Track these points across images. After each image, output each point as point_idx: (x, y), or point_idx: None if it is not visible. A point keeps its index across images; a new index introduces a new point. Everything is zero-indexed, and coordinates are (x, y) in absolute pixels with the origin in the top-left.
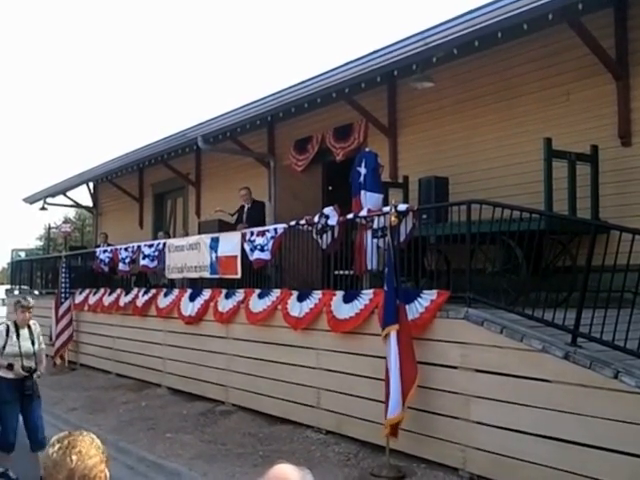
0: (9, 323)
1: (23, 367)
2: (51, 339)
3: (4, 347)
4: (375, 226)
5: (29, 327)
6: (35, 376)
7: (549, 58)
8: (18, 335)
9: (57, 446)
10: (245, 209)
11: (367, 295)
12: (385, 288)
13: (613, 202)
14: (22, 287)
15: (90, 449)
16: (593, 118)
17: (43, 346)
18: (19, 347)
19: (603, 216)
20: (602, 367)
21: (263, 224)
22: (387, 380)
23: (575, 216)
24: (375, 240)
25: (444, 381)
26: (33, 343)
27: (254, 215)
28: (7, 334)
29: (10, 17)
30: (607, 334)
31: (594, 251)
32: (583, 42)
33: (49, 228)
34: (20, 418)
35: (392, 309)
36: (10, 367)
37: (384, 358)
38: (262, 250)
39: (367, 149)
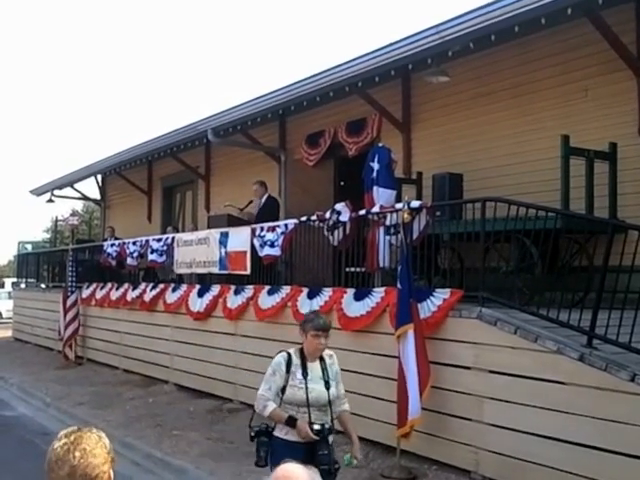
0: (292, 352)
1: (312, 425)
2: (59, 333)
3: (283, 389)
4: (388, 223)
5: (322, 360)
6: (348, 460)
7: (567, 53)
8: (305, 372)
9: (63, 441)
10: (257, 204)
11: (379, 293)
12: (399, 286)
13: (632, 201)
14: (28, 280)
15: (95, 448)
16: (612, 115)
17: (342, 392)
18: (306, 391)
19: (621, 215)
20: (618, 369)
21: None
22: (402, 380)
23: (592, 215)
24: (387, 237)
25: (456, 382)
26: (328, 386)
27: (267, 213)
28: (288, 369)
29: (24, 9)
30: (624, 336)
31: (611, 251)
32: (602, 37)
33: (56, 220)
34: None
35: (407, 308)
36: (291, 423)
37: (396, 357)
38: (272, 246)
39: (380, 144)
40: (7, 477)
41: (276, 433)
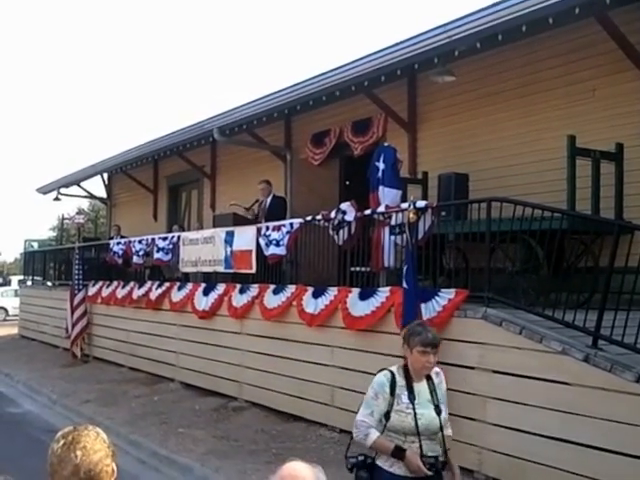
0: (394, 370)
1: (423, 457)
2: (67, 331)
3: (387, 415)
4: (393, 222)
5: (429, 379)
6: None
7: (574, 53)
8: (412, 394)
9: (62, 442)
10: (265, 204)
11: (384, 293)
12: (405, 286)
13: (638, 202)
14: (35, 278)
15: (95, 444)
16: (619, 115)
17: (447, 415)
18: (415, 417)
19: (627, 216)
20: (623, 370)
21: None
22: None
23: (598, 216)
24: (393, 237)
25: (461, 382)
26: (439, 410)
27: (274, 213)
28: (392, 391)
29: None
30: (629, 337)
31: (617, 252)
32: (610, 37)
33: (62, 219)
34: None
35: (413, 307)
36: (399, 454)
37: (400, 357)
38: (277, 245)
39: (386, 144)
40: (13, 474)
41: (380, 463)
